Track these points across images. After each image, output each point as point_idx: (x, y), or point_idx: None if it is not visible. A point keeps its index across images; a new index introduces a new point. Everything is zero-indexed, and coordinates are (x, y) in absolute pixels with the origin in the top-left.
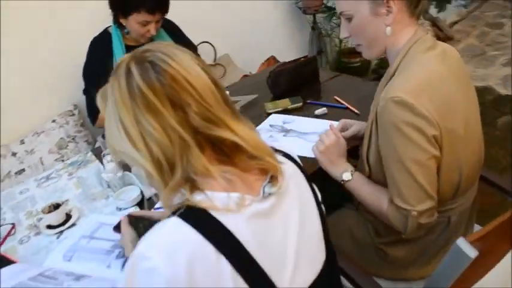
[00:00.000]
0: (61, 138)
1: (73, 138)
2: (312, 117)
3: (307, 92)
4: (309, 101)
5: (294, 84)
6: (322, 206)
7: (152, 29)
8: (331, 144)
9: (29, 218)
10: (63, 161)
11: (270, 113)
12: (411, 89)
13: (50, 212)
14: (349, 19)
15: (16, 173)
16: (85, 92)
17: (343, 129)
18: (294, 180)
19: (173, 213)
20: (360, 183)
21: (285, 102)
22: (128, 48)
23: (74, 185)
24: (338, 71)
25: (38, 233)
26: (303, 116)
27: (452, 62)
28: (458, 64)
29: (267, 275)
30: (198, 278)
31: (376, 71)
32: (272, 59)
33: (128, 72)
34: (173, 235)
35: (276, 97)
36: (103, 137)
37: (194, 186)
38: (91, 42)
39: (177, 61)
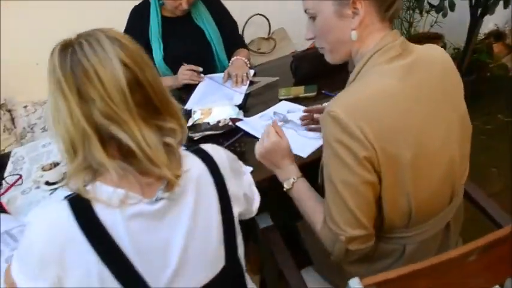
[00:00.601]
0: None
1: None
2: None
3: (331, 81)
4: (324, 91)
5: (318, 71)
6: (234, 211)
7: (184, 2)
8: (271, 146)
9: (37, 171)
10: None
11: (282, 99)
12: (349, 105)
13: (50, 169)
14: (313, 18)
15: None
16: None
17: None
18: (196, 186)
19: (67, 196)
20: (301, 194)
21: (298, 90)
22: (165, 20)
23: None
24: None
25: (38, 187)
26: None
27: (423, 75)
28: (436, 77)
29: (138, 273)
30: (69, 264)
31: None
32: None
33: (52, 52)
34: (54, 217)
35: (297, 83)
36: None
37: (94, 176)
38: (131, 10)
39: (97, 55)
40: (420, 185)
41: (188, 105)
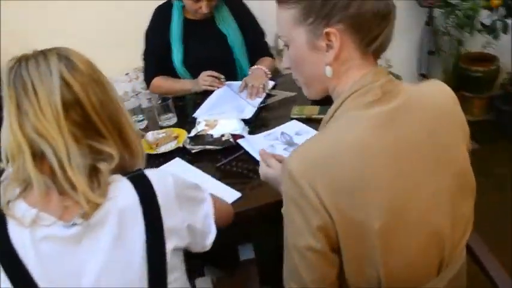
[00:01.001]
0: (126, 91)
1: (136, 94)
2: None
3: None
4: None
5: None
6: (168, 246)
7: (204, 6)
8: (265, 178)
9: None
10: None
11: (293, 118)
12: (307, 159)
13: None
14: (288, 47)
15: None
16: (143, 55)
17: None
18: (119, 217)
19: None
20: None
21: (312, 110)
22: (187, 22)
23: None
24: (455, 78)
25: None
26: None
27: (408, 125)
28: (427, 127)
29: None
30: None
31: (504, 86)
32: None
33: (9, 61)
34: None
35: (314, 101)
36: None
37: (23, 191)
38: (155, 9)
39: (39, 70)
40: (392, 257)
41: (196, 113)
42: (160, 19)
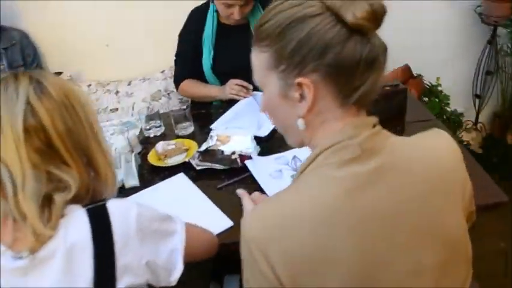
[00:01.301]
0: (158, 90)
1: (168, 94)
2: None
3: (391, 127)
4: None
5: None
6: (120, 284)
7: (236, 12)
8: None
9: None
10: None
11: None
12: (265, 222)
13: None
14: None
15: (111, 110)
16: (175, 56)
17: None
18: (67, 253)
19: None
20: None
21: None
22: (221, 26)
23: None
24: None
25: None
26: None
27: (389, 189)
28: (414, 190)
29: None
30: None
31: None
32: (404, 69)
33: None
34: None
35: None
36: None
37: None
38: (191, 10)
39: (7, 92)
40: None
41: (214, 125)
42: (194, 22)
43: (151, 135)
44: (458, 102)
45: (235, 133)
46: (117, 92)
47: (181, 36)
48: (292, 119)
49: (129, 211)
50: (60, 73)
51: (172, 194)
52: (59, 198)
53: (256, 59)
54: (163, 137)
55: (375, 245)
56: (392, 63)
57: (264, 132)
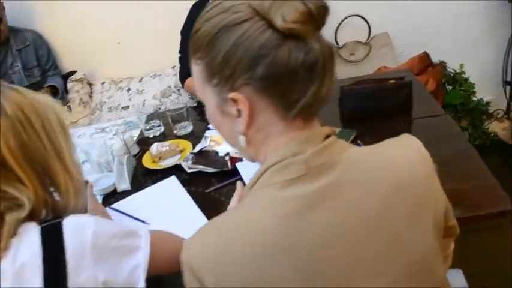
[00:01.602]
0: (169, 86)
1: (178, 90)
2: None
3: (387, 126)
4: (359, 142)
5: (371, 111)
6: None
7: None
8: None
9: None
10: (159, 108)
11: None
12: (200, 252)
13: None
14: None
15: (123, 108)
16: (179, 53)
17: None
18: (15, 275)
19: None
20: None
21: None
22: None
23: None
24: None
25: None
26: None
27: (342, 209)
28: (372, 209)
29: None
30: None
31: None
32: (421, 56)
33: None
34: None
35: (343, 120)
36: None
37: None
38: (191, 6)
39: None
40: None
41: (211, 125)
42: (194, 17)
43: (151, 136)
44: (486, 90)
45: None
46: (128, 89)
47: (183, 32)
48: (235, 136)
49: (85, 228)
50: (74, 72)
51: (160, 199)
52: (10, 217)
53: (193, 71)
54: (162, 137)
55: (323, 272)
56: (411, 51)
57: None
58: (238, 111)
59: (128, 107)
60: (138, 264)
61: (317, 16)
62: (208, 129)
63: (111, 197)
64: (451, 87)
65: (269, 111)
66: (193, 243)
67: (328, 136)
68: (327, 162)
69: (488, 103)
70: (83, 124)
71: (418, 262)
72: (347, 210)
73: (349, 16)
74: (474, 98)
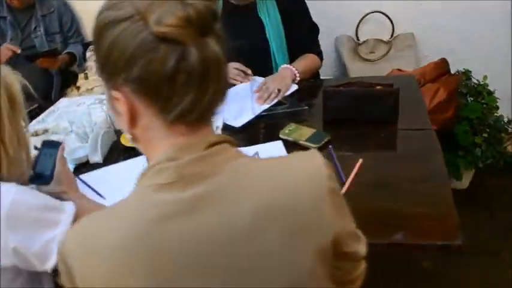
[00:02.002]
0: None
1: None
2: None
3: (367, 134)
4: (330, 147)
5: (353, 116)
6: None
7: None
8: None
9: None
10: None
11: (281, 138)
12: (73, 245)
13: (37, 135)
14: None
15: None
16: None
17: None
18: None
19: None
20: None
21: (302, 134)
22: (228, 5)
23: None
24: None
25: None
26: None
27: (206, 223)
28: (237, 228)
29: None
30: None
31: None
32: (437, 63)
33: None
34: None
35: (325, 122)
36: None
37: None
38: None
39: None
40: None
41: None
42: None
43: None
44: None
45: None
46: None
47: None
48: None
49: (4, 196)
50: None
51: (125, 176)
52: None
53: None
54: None
55: (180, 281)
56: (436, 55)
57: (238, 122)
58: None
59: None
60: (54, 238)
61: (198, 21)
62: None
63: (83, 167)
64: (472, 99)
65: (149, 113)
66: (70, 232)
67: (216, 144)
68: (204, 172)
69: (510, 121)
70: (97, 92)
71: (289, 284)
72: (215, 223)
73: (372, 12)
74: (496, 114)
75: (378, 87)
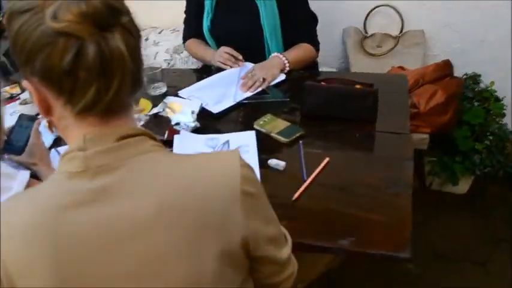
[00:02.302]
0: (167, 48)
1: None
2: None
3: (342, 133)
4: (300, 143)
5: (329, 113)
6: None
7: None
8: None
9: None
10: (169, 63)
11: (255, 129)
12: (2, 224)
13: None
14: None
15: None
16: (184, 12)
17: None
18: None
19: None
20: None
21: (275, 127)
22: None
23: None
24: None
25: None
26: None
27: (107, 216)
28: (138, 224)
29: None
30: None
31: None
32: (439, 64)
33: None
34: None
35: (302, 116)
36: None
37: None
38: None
39: None
40: None
41: (182, 91)
42: None
43: None
44: None
45: (187, 104)
46: (146, 39)
47: None
48: None
49: None
50: None
51: None
52: None
53: None
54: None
55: (79, 273)
56: (447, 55)
57: (217, 108)
58: None
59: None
60: None
61: (93, 16)
62: (177, 95)
63: (62, 139)
64: (478, 104)
65: (59, 104)
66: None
67: (129, 137)
68: (111, 164)
69: None
70: None
71: (190, 284)
72: (114, 215)
73: (382, 6)
74: (501, 122)
75: (358, 86)
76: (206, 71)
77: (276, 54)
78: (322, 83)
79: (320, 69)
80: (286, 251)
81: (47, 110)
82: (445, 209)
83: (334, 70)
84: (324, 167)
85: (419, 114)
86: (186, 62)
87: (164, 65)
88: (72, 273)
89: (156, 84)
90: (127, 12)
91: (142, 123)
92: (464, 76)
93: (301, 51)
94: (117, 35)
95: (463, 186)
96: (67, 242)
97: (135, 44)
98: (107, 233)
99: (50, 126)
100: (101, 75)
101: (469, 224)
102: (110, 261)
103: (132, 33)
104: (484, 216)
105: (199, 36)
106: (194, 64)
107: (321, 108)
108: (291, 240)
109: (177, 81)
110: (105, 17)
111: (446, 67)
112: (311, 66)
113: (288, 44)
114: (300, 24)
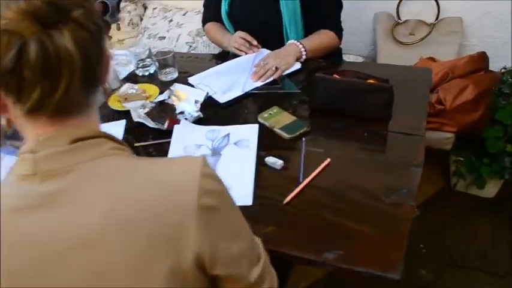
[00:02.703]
0: (190, 31)
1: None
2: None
3: (350, 130)
4: (303, 140)
5: (340, 108)
6: None
7: None
8: None
9: None
10: (190, 46)
11: (260, 123)
12: None
13: None
14: None
15: (160, 38)
16: None
17: None
18: None
19: None
20: None
21: (279, 121)
22: None
23: None
24: None
25: None
26: (276, 154)
27: (53, 222)
28: (85, 233)
29: None
30: None
31: None
32: (473, 56)
33: None
34: None
35: (311, 109)
36: None
37: None
38: None
39: None
40: None
41: (191, 78)
42: None
43: (140, 74)
44: None
45: (192, 92)
46: (171, 20)
47: None
48: None
49: None
50: None
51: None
52: None
53: None
54: (150, 77)
55: (21, 283)
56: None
57: (224, 98)
58: None
59: (164, 38)
60: None
61: (36, 14)
62: (187, 82)
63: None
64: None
65: (10, 103)
66: None
67: (83, 139)
68: (60, 169)
69: None
70: (128, 44)
71: None
72: (56, 224)
73: None
74: None
75: (371, 80)
76: (223, 56)
77: (292, 41)
78: (335, 76)
79: (345, 58)
80: (256, 271)
81: (3, 108)
82: (468, 212)
83: (359, 59)
84: (323, 169)
85: (445, 112)
86: (208, 45)
87: (186, 48)
88: (15, 282)
89: (167, 70)
90: (80, 5)
91: (146, 110)
92: (503, 70)
93: (322, 38)
94: (66, 32)
95: (490, 190)
96: (13, 249)
97: (89, 38)
98: (50, 243)
99: (9, 124)
100: (46, 75)
101: (492, 232)
102: (52, 274)
103: (86, 27)
104: (510, 224)
105: (219, 20)
106: (216, 49)
107: (330, 103)
108: (265, 254)
109: (190, 67)
110: (49, 14)
111: (481, 60)
112: (333, 54)
113: (308, 30)
114: (322, 9)
